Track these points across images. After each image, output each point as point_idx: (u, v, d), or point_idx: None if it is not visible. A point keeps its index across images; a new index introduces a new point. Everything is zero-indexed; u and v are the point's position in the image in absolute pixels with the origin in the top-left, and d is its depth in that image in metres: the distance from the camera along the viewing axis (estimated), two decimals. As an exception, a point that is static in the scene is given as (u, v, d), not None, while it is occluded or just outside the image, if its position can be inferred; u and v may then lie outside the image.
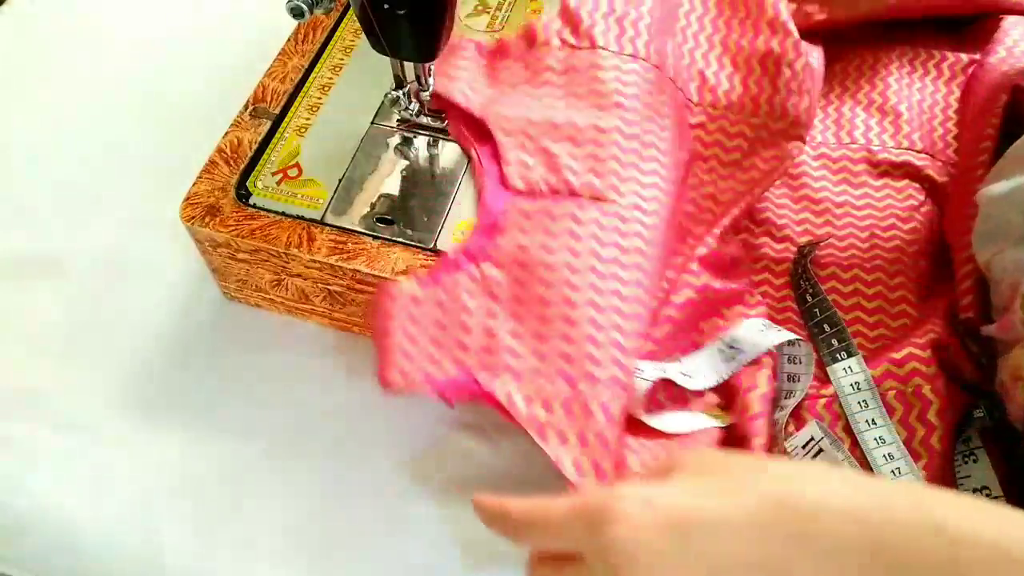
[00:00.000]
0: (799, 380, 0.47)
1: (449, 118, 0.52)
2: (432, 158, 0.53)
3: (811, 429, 0.45)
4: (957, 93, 0.60)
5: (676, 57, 0.57)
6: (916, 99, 0.61)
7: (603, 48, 0.53)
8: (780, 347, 0.49)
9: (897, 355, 0.47)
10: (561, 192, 0.47)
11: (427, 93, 0.51)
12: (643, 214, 0.47)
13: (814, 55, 0.57)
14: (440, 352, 0.43)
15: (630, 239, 0.46)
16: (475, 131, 0.51)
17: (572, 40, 0.53)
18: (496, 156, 0.49)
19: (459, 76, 0.53)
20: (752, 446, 0.45)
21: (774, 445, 0.46)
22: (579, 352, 0.42)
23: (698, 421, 0.46)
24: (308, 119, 0.54)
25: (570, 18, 0.54)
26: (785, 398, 0.48)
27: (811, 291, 0.51)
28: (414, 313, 0.44)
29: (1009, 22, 0.60)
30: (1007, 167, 0.48)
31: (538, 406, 0.41)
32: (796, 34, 0.56)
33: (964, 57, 0.61)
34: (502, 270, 0.45)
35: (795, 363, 0.48)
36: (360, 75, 0.56)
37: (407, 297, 0.44)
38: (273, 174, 0.51)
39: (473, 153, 0.50)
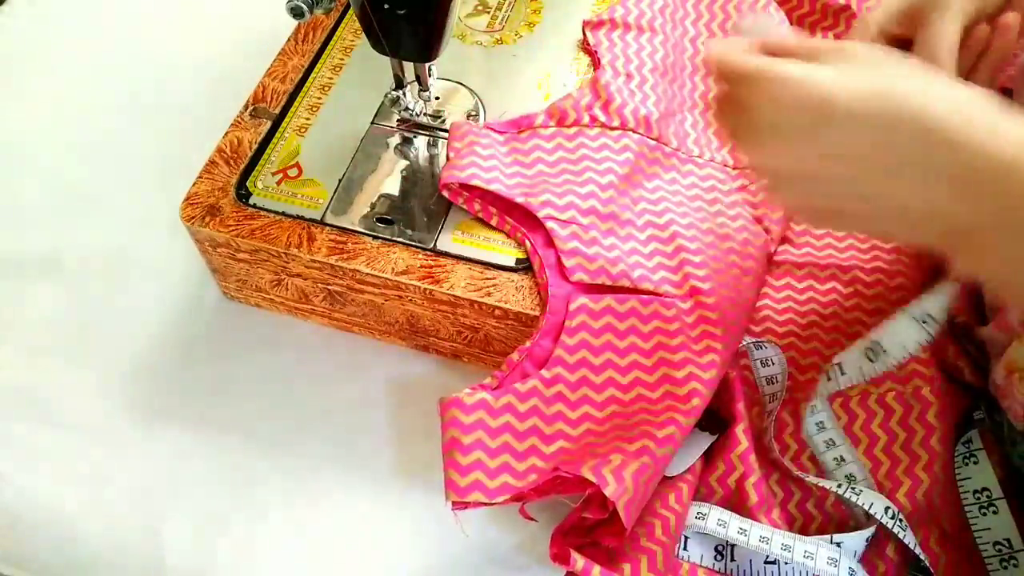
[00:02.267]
0: (777, 381, 0.47)
1: (483, 203, 0.49)
2: (432, 158, 0.53)
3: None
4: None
5: (698, 129, 0.56)
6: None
7: (632, 131, 0.52)
8: (750, 351, 0.49)
9: None
10: (621, 282, 0.47)
11: (427, 93, 0.51)
12: (706, 310, 0.47)
13: None
14: (519, 462, 0.43)
15: (697, 329, 0.46)
16: (520, 217, 0.49)
17: (603, 118, 0.52)
18: (550, 243, 0.48)
19: (486, 163, 0.50)
20: (740, 452, 0.45)
21: (765, 451, 0.47)
22: (656, 444, 0.42)
23: (696, 443, 0.46)
24: (308, 119, 0.54)
25: (599, 94, 0.53)
26: (769, 402, 0.48)
27: None
28: (488, 423, 0.44)
29: None
30: None
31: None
32: None
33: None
34: (573, 373, 0.45)
35: (768, 365, 0.48)
36: (360, 75, 0.56)
37: (480, 405, 0.44)
38: (273, 174, 0.51)
39: (528, 244, 0.48)
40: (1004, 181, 0.27)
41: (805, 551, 0.41)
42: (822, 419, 0.46)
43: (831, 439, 0.46)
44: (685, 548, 0.43)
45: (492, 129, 0.52)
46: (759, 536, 0.42)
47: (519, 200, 0.48)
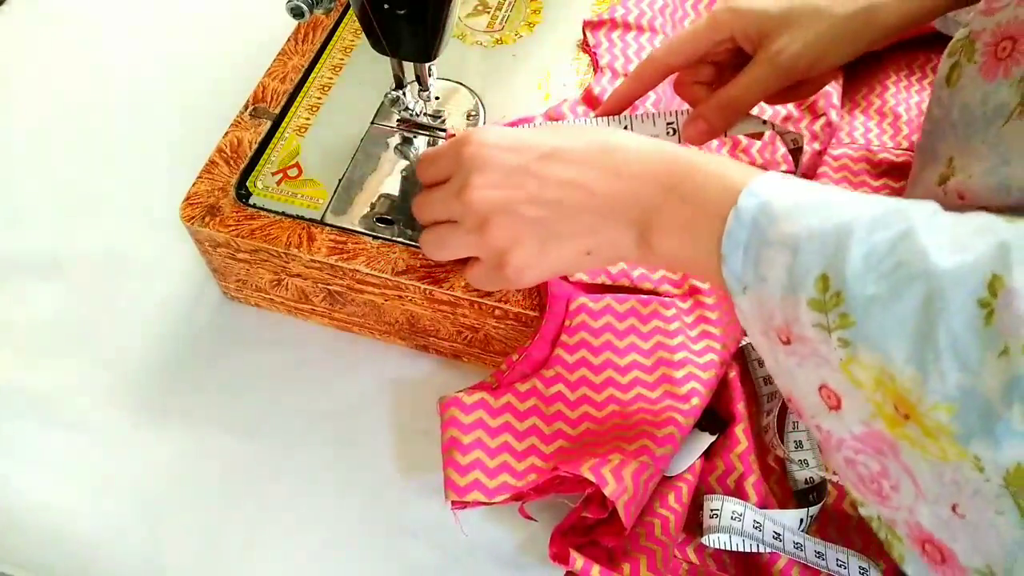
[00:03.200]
0: (774, 381, 0.48)
1: None
2: (432, 158, 0.53)
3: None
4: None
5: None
6: (915, 101, 0.61)
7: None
8: (748, 353, 0.49)
9: None
10: (621, 282, 0.47)
11: (427, 93, 0.51)
12: (706, 309, 0.47)
13: (833, 98, 0.57)
14: (518, 461, 0.43)
15: (696, 329, 0.46)
16: None
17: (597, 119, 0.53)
18: None
19: None
20: (740, 452, 0.45)
21: (765, 451, 0.47)
22: (656, 444, 0.42)
23: (696, 443, 0.46)
24: (308, 119, 0.54)
25: (594, 102, 0.53)
26: (768, 401, 0.48)
27: None
28: (488, 422, 0.44)
29: None
30: (907, 187, 0.49)
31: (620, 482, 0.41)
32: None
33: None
34: (572, 373, 0.45)
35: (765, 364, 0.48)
36: (360, 75, 0.56)
37: (479, 405, 0.44)
38: (273, 174, 0.51)
39: None
40: (658, 165, 0.37)
41: (816, 551, 0.42)
42: (801, 438, 0.46)
43: (804, 459, 0.46)
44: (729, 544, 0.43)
45: None
46: (772, 532, 0.42)
47: None
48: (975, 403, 0.27)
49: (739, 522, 0.42)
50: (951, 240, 0.29)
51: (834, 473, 0.44)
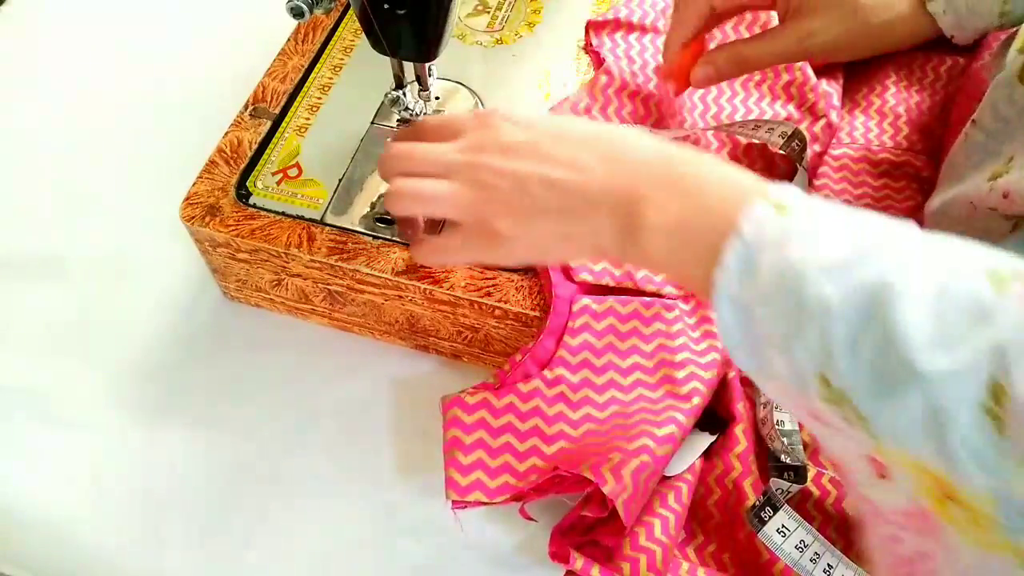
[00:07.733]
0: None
1: None
2: (432, 158, 0.53)
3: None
4: (955, 96, 0.61)
5: (697, 130, 0.56)
6: (915, 101, 0.61)
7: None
8: None
9: None
10: (625, 284, 0.47)
11: (427, 93, 0.51)
12: (708, 309, 0.47)
13: (834, 99, 0.57)
14: (519, 462, 0.43)
15: (699, 330, 0.46)
16: None
17: (600, 117, 0.53)
18: None
19: None
20: (739, 452, 0.45)
21: (762, 442, 0.47)
22: (656, 443, 0.42)
23: (696, 443, 0.46)
24: (308, 119, 0.54)
25: (596, 97, 0.53)
26: (764, 394, 0.48)
27: None
28: (490, 422, 0.44)
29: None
30: (941, 181, 0.49)
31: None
32: (815, 94, 0.56)
33: (962, 61, 0.62)
34: (575, 374, 0.45)
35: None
36: (360, 75, 0.56)
37: (482, 405, 0.44)
38: (273, 174, 0.51)
39: None
40: (659, 157, 0.36)
41: None
42: (784, 417, 0.46)
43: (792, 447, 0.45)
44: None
45: None
46: (825, 565, 0.41)
47: None
48: (1013, 504, 0.26)
49: (800, 552, 0.42)
50: (938, 328, 0.26)
51: (821, 466, 0.44)
